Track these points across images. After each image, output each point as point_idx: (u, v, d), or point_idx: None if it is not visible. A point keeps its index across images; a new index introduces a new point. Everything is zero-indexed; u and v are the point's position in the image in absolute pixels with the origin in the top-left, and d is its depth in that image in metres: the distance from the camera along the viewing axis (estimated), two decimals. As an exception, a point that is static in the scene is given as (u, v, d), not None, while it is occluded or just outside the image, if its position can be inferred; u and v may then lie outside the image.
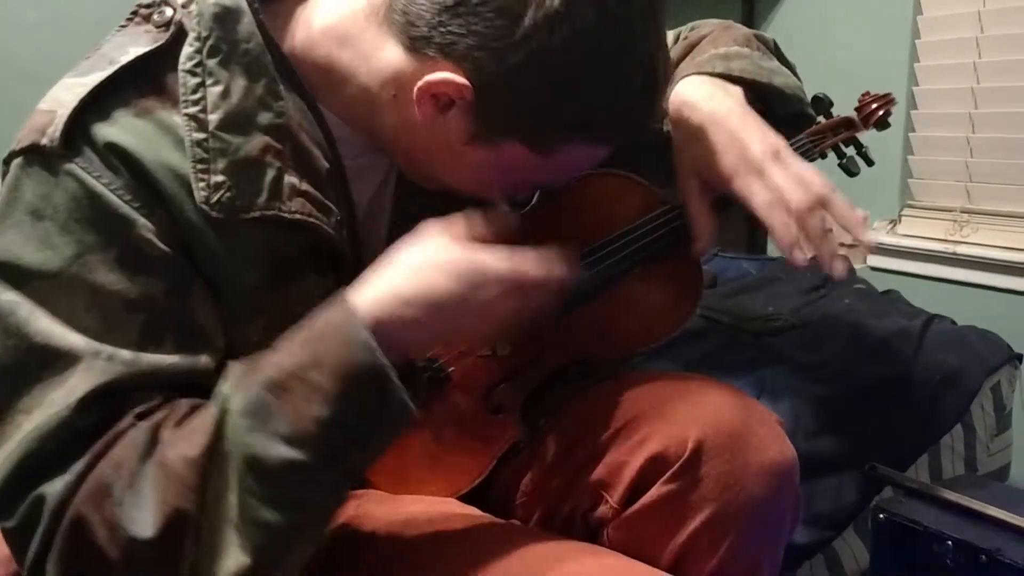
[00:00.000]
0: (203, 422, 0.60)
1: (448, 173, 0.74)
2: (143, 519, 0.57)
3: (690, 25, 1.01)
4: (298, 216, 0.68)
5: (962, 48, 1.71)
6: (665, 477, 0.73)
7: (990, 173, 1.69)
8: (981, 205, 1.72)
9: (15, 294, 0.61)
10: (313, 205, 0.69)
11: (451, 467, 0.81)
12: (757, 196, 0.80)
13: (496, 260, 0.65)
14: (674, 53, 0.96)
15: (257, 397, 0.59)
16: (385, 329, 0.61)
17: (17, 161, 0.64)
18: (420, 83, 0.66)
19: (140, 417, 0.61)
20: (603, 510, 0.77)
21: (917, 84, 1.80)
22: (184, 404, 0.63)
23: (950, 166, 1.75)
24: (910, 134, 1.81)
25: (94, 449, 0.59)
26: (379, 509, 0.78)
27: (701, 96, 0.86)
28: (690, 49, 0.95)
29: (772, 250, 2.11)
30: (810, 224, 0.80)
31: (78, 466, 0.59)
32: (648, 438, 0.74)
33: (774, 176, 0.80)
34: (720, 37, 0.94)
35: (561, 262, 0.68)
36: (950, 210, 1.76)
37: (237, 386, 0.61)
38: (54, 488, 0.58)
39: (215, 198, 0.64)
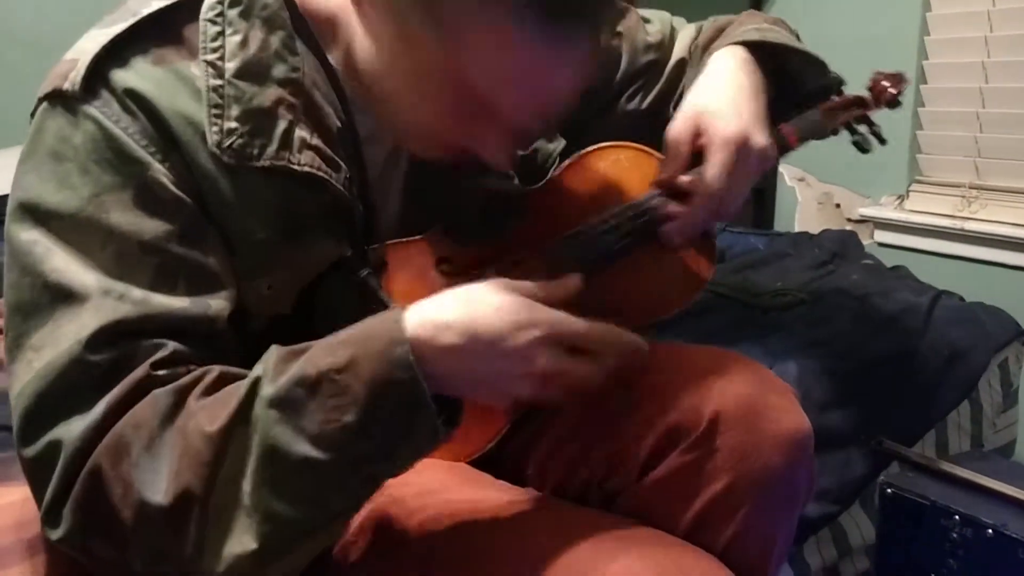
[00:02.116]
0: (229, 399, 0.60)
1: (435, 101, 0.69)
2: (157, 485, 0.57)
3: (712, 18, 1.01)
4: (307, 169, 0.68)
5: (973, 21, 1.70)
6: (682, 448, 0.73)
7: (1000, 148, 1.68)
8: (990, 181, 1.71)
9: (34, 232, 0.62)
10: (322, 160, 0.70)
11: (464, 430, 0.80)
12: (717, 166, 0.81)
13: (545, 312, 0.64)
14: (703, 38, 0.97)
15: (288, 390, 0.58)
16: (423, 350, 0.60)
17: (41, 106, 0.65)
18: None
19: (156, 366, 0.61)
20: (619, 480, 0.77)
21: (927, 58, 1.78)
22: (215, 372, 0.63)
23: (959, 141, 1.74)
24: (919, 109, 1.79)
25: (111, 396, 0.59)
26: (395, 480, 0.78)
27: (735, 61, 0.88)
28: (719, 32, 0.96)
29: (780, 225, 2.10)
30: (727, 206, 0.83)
31: (95, 412, 0.59)
32: (665, 409, 0.74)
33: (742, 166, 0.82)
34: (749, 19, 0.95)
35: (611, 335, 0.67)
36: (959, 186, 1.75)
37: (271, 372, 0.60)
38: (71, 432, 0.59)
39: (227, 143, 0.65)
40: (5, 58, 2.00)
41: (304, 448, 0.57)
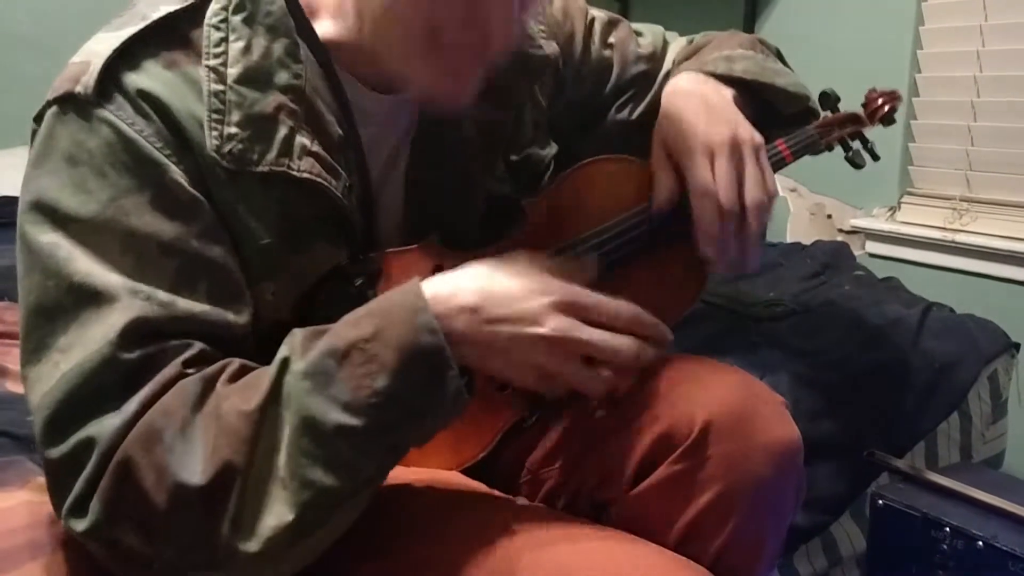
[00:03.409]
0: (260, 380, 0.61)
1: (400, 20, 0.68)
2: (192, 466, 0.58)
3: (702, 34, 1.03)
4: (306, 175, 0.69)
5: (966, 36, 1.71)
6: (672, 457, 0.73)
7: (990, 162, 1.69)
8: (981, 194, 1.72)
9: (54, 235, 0.62)
10: (322, 167, 0.70)
11: (456, 439, 0.81)
12: (695, 177, 0.82)
13: (559, 282, 0.68)
14: (680, 55, 0.98)
15: (319, 362, 0.60)
16: (440, 308, 0.63)
17: (52, 110, 0.65)
18: None
19: (187, 364, 0.62)
20: (610, 489, 0.77)
21: (920, 71, 1.80)
22: (236, 362, 0.64)
23: (951, 154, 1.75)
24: (912, 121, 1.81)
25: (143, 393, 0.60)
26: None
27: (692, 82, 0.89)
28: (695, 52, 0.97)
29: (772, 235, 2.11)
30: (727, 226, 0.82)
31: (127, 409, 0.59)
32: (656, 418, 0.75)
33: (720, 165, 0.82)
34: (725, 42, 0.96)
35: (625, 309, 0.69)
36: (950, 198, 1.76)
37: (297, 350, 0.62)
38: (103, 430, 0.59)
39: (227, 148, 0.66)
40: (5, 59, 2.00)
41: (337, 416, 0.59)
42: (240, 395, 0.60)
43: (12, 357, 1.09)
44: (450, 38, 0.68)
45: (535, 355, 0.66)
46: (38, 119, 0.66)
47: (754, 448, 0.72)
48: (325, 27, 0.73)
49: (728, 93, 0.89)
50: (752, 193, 0.82)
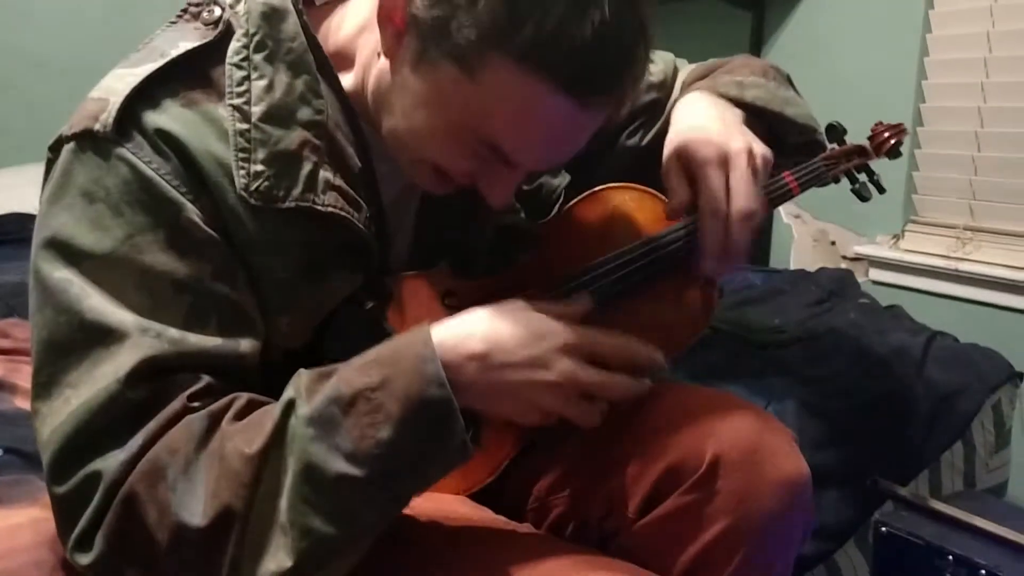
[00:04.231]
0: (264, 421, 0.61)
1: (409, 127, 0.70)
2: (194, 507, 0.58)
3: (712, 61, 1.03)
4: (331, 209, 0.70)
5: (970, 67, 1.72)
6: (681, 489, 0.74)
7: (994, 191, 1.70)
8: (984, 223, 1.73)
9: (68, 272, 0.63)
10: (345, 200, 0.71)
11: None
12: (709, 187, 0.81)
13: (562, 324, 0.68)
14: (691, 76, 0.99)
15: (324, 409, 0.60)
16: (448, 357, 0.63)
17: (69, 146, 0.66)
18: (378, 8, 0.67)
19: (192, 399, 0.62)
20: (618, 518, 0.78)
21: (924, 101, 1.81)
22: (244, 398, 0.64)
23: (954, 183, 1.76)
24: (916, 150, 1.82)
25: (149, 428, 0.60)
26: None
27: (702, 99, 0.89)
28: (707, 72, 0.98)
29: (776, 262, 2.12)
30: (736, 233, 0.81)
31: (133, 444, 0.60)
32: (666, 450, 0.75)
33: (737, 173, 0.80)
34: (737, 68, 0.96)
35: (627, 345, 0.71)
36: (953, 227, 1.77)
37: (304, 393, 0.62)
38: (109, 465, 0.60)
39: (254, 186, 0.67)
40: (14, 79, 2.02)
41: (340, 465, 0.59)
42: (243, 436, 0.61)
43: (22, 374, 1.09)
44: (455, 182, 0.72)
45: (541, 398, 0.67)
46: (53, 150, 0.67)
47: (764, 483, 0.72)
48: (346, 79, 0.74)
49: (737, 113, 0.89)
50: (753, 202, 0.81)
